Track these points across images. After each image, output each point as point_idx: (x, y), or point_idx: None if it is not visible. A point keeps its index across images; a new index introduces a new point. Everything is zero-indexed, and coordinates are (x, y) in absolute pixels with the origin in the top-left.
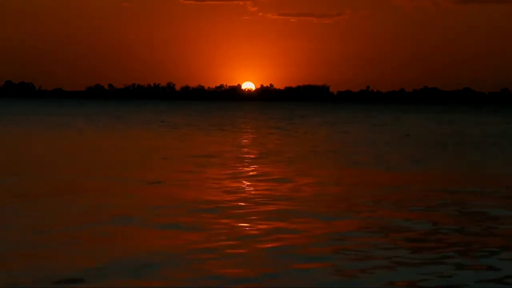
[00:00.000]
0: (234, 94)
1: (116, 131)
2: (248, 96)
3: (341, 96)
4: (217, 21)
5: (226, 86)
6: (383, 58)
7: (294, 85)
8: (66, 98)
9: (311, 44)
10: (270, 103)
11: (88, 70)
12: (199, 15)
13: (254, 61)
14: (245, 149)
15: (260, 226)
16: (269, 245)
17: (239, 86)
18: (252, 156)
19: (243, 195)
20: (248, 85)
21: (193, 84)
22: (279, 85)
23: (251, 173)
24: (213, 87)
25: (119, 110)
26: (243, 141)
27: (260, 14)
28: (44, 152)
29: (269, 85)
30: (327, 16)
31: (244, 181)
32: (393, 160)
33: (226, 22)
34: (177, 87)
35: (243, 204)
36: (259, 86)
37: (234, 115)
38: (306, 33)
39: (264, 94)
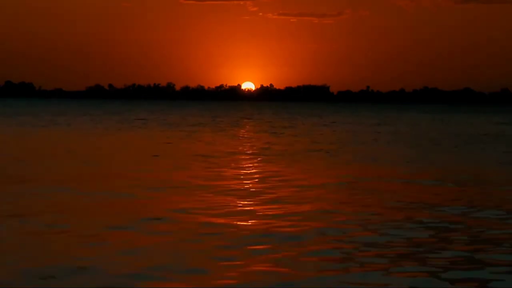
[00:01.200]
0: (234, 94)
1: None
2: (248, 96)
3: (341, 96)
4: (217, 21)
5: (226, 86)
6: (383, 58)
7: (294, 85)
8: (66, 98)
9: (311, 44)
10: (270, 103)
11: (88, 70)
12: (199, 15)
13: (254, 61)
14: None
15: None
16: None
17: (239, 86)
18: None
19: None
20: (248, 85)
21: (193, 84)
22: (279, 85)
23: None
24: (213, 87)
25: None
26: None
27: (260, 14)
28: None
29: (269, 85)
30: (327, 16)
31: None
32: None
33: (226, 22)
34: (177, 87)
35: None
36: (259, 86)
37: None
38: (306, 33)
39: (264, 94)
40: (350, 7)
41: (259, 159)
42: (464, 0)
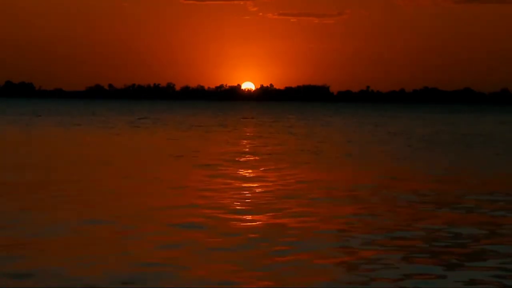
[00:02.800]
0: (234, 94)
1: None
2: (248, 96)
3: (341, 96)
4: (217, 21)
5: (226, 86)
6: (383, 58)
7: (294, 85)
8: (66, 98)
9: (311, 44)
10: (271, 103)
11: (88, 70)
12: (199, 15)
13: (254, 61)
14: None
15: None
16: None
17: (239, 86)
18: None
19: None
20: (248, 85)
21: (193, 84)
22: (279, 85)
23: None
24: (213, 87)
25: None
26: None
27: (260, 14)
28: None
29: (269, 85)
30: (327, 16)
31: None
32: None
33: (226, 22)
34: (177, 87)
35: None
36: (259, 86)
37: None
38: (306, 33)
39: (264, 94)
40: (350, 7)
41: None
42: (464, 0)
